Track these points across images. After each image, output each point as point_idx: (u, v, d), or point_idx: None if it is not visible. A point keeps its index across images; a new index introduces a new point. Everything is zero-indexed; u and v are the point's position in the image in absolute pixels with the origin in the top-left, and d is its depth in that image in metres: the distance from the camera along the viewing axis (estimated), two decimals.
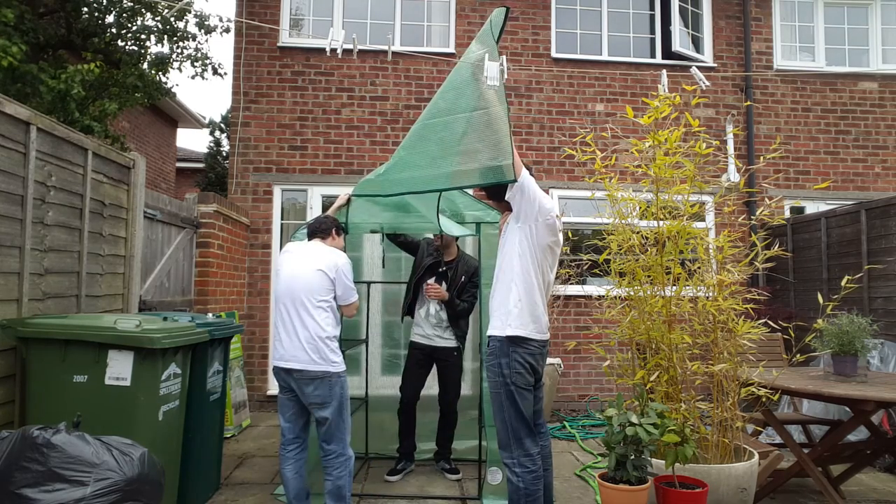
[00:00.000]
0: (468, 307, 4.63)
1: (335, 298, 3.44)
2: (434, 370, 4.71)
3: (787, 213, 7.73)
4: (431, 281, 4.60)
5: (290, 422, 3.47)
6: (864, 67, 8.21)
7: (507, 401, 2.98)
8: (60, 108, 5.81)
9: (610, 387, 7.16)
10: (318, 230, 3.63)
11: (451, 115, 3.04)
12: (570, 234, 4.70)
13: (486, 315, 3.34)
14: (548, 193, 7.45)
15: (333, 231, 3.65)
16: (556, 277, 3.91)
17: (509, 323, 2.99)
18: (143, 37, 7.15)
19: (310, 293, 3.36)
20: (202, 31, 7.45)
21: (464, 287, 4.62)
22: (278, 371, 3.40)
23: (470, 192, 4.29)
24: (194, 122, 13.71)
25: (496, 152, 2.84)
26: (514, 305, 2.99)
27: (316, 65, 7.45)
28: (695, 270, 3.72)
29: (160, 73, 7.41)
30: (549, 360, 5.25)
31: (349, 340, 4.65)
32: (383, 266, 5.29)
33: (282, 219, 7.34)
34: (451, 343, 4.65)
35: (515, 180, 2.84)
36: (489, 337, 3.09)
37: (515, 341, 2.98)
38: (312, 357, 3.29)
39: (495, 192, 3.14)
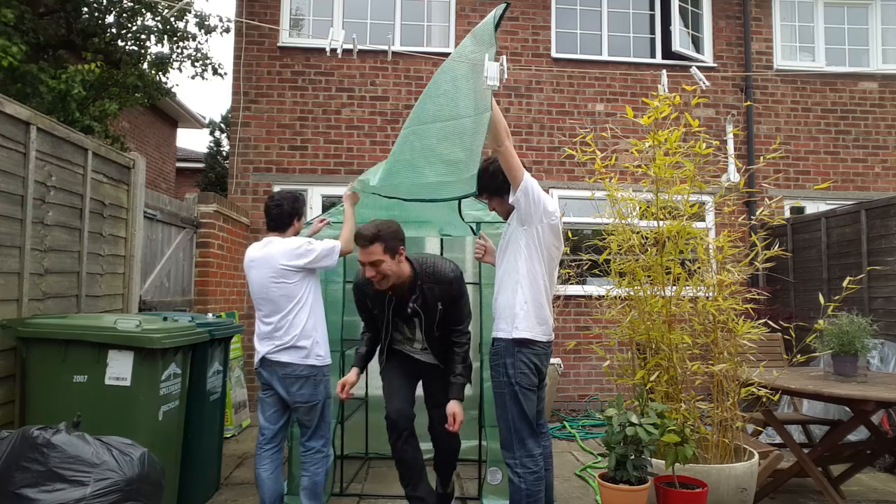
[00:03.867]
0: (466, 352, 3.51)
1: (311, 273, 3.29)
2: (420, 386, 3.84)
3: (787, 213, 7.73)
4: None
5: (270, 421, 3.36)
6: (864, 67, 8.21)
7: (510, 401, 2.98)
8: (60, 108, 5.81)
9: (610, 387, 7.16)
10: (276, 226, 3.41)
11: (440, 121, 2.94)
12: (569, 234, 4.69)
13: (488, 315, 3.32)
14: (548, 193, 7.50)
15: (295, 221, 3.46)
16: (556, 277, 3.90)
17: (516, 325, 2.97)
18: (143, 37, 7.16)
19: (279, 297, 3.26)
20: (202, 31, 7.46)
21: (445, 318, 3.39)
22: (261, 369, 3.34)
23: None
24: (194, 122, 13.72)
25: (473, 163, 2.74)
26: (520, 307, 2.98)
27: (316, 65, 7.45)
28: (695, 270, 3.72)
29: (160, 73, 7.42)
30: (550, 360, 5.23)
31: (349, 340, 4.63)
32: None
33: None
34: (433, 361, 3.67)
35: (477, 194, 2.86)
36: (495, 339, 3.08)
37: (522, 343, 2.97)
38: (295, 355, 3.24)
39: (496, 190, 3.10)
